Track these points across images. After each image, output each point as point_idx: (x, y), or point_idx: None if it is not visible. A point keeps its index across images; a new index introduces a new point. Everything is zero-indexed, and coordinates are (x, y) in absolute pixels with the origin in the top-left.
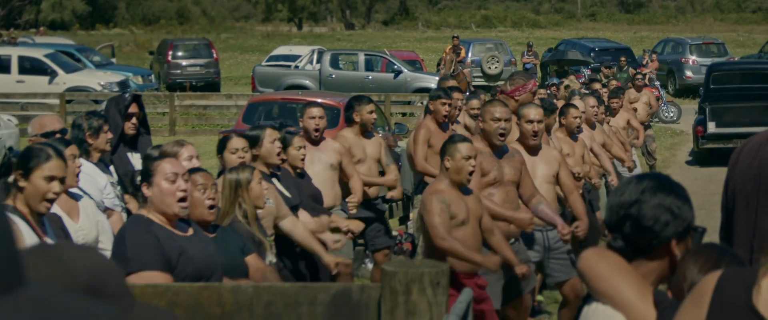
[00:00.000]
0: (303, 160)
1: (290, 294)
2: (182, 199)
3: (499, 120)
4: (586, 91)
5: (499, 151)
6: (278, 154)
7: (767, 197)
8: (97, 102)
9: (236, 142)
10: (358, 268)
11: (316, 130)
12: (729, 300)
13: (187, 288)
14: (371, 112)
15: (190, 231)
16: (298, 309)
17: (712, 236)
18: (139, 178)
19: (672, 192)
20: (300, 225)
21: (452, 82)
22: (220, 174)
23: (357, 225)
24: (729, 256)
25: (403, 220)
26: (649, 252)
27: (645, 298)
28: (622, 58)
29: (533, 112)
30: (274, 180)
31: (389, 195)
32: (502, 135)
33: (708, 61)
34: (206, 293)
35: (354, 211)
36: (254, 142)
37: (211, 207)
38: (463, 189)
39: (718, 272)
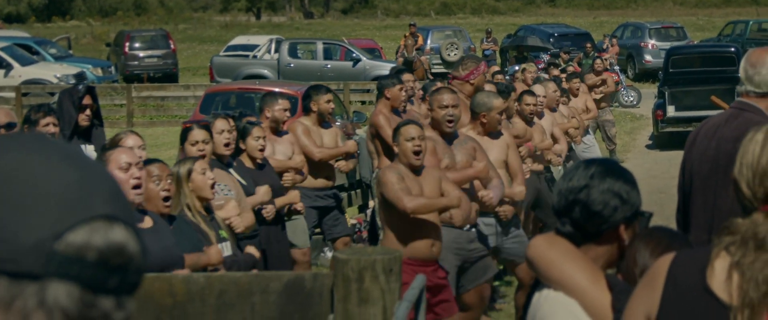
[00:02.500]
0: (262, 150)
1: (243, 283)
2: (136, 187)
3: (447, 107)
4: (545, 77)
5: (450, 138)
6: (226, 145)
7: (725, 178)
8: (53, 95)
9: (197, 134)
10: (316, 257)
11: (284, 122)
12: (683, 282)
13: None
14: (329, 102)
15: (149, 223)
16: (251, 298)
17: (670, 219)
18: None
19: (620, 177)
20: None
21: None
22: None
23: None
24: (679, 239)
25: (362, 208)
26: (597, 237)
27: (598, 283)
28: (588, 44)
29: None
30: (231, 169)
31: (338, 164)
32: (450, 122)
33: (667, 45)
34: (158, 283)
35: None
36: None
37: (167, 198)
38: (417, 171)
39: (670, 255)
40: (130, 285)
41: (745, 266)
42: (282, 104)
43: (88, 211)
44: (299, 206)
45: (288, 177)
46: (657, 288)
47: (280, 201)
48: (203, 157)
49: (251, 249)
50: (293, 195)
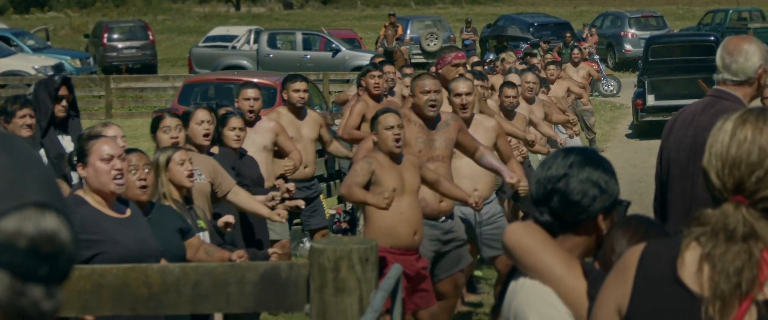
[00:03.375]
0: (237, 140)
1: (218, 273)
2: (117, 178)
3: (428, 92)
4: (524, 66)
5: (432, 123)
6: (205, 136)
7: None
8: (30, 86)
9: (169, 121)
10: (295, 248)
11: (251, 112)
12: (654, 273)
13: (114, 269)
14: (297, 91)
15: (128, 213)
16: (227, 288)
17: (650, 208)
18: (75, 159)
19: (599, 167)
20: (242, 192)
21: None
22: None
23: (298, 202)
24: (656, 228)
25: (341, 199)
26: (575, 227)
27: (574, 271)
28: (568, 34)
29: (462, 85)
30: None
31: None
32: (432, 106)
33: (647, 34)
34: (133, 274)
35: (290, 174)
36: (185, 121)
37: (143, 187)
38: (398, 159)
39: (641, 246)
40: (61, 273)
41: (716, 258)
42: (246, 94)
43: (20, 199)
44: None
45: (288, 169)
46: (628, 279)
47: (264, 212)
48: (177, 144)
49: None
50: (279, 215)
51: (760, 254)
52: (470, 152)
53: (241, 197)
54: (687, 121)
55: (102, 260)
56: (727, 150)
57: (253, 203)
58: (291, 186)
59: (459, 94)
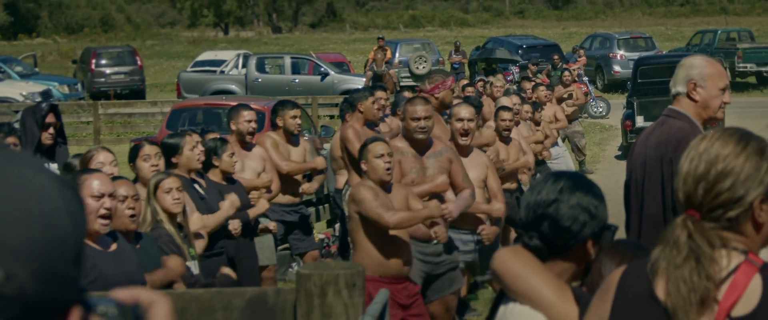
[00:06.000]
0: (234, 165)
1: (204, 299)
2: (106, 216)
3: (419, 119)
4: (518, 90)
5: (423, 149)
6: (198, 160)
7: (650, 184)
8: (17, 113)
9: (148, 149)
10: (283, 273)
11: (251, 134)
12: (632, 291)
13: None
14: (294, 117)
15: (114, 247)
16: (213, 315)
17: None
18: None
19: (589, 192)
20: (205, 217)
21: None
22: (133, 182)
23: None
24: (643, 252)
25: (331, 223)
26: (564, 252)
27: (565, 297)
28: (556, 56)
29: (464, 111)
30: (196, 186)
31: (303, 188)
32: (422, 132)
33: (636, 55)
34: None
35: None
36: (174, 150)
37: (133, 216)
38: (387, 188)
39: (622, 267)
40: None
41: (670, 270)
42: (246, 116)
43: None
44: (272, 225)
45: (255, 195)
46: (608, 299)
47: (252, 212)
48: (156, 170)
49: (227, 270)
50: (262, 205)
51: (709, 266)
52: (457, 188)
53: (207, 221)
54: (643, 140)
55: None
56: (683, 165)
57: (218, 214)
58: (272, 225)
59: (461, 119)
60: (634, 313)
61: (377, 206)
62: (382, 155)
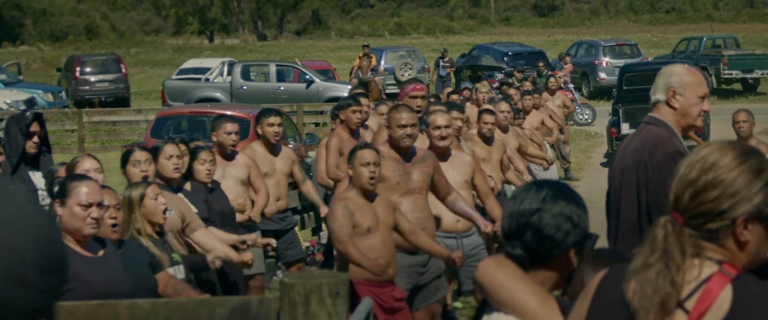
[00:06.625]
0: (208, 174)
1: (188, 309)
2: (92, 226)
3: (405, 126)
4: (500, 96)
5: (408, 156)
6: (175, 169)
7: (627, 190)
8: (0, 121)
9: (138, 155)
10: (269, 281)
11: (232, 146)
12: (607, 295)
13: (83, 306)
14: (272, 125)
15: (101, 253)
16: None
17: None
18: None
19: (572, 201)
20: (210, 235)
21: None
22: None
23: (270, 240)
24: (626, 261)
25: (316, 231)
26: (547, 261)
27: (549, 306)
28: (541, 63)
29: (440, 118)
30: (180, 194)
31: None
32: (408, 139)
33: (621, 62)
34: (102, 310)
35: (258, 221)
36: (155, 156)
37: (114, 225)
38: (371, 196)
39: (603, 271)
40: None
41: (639, 272)
42: (227, 128)
43: None
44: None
45: (243, 218)
46: (587, 302)
47: (234, 257)
48: (146, 177)
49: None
50: (247, 256)
51: (675, 272)
52: (442, 195)
53: (208, 239)
54: (623, 148)
55: (69, 298)
56: (681, 167)
57: (220, 246)
58: (272, 241)
59: (438, 127)
60: (606, 314)
61: (337, 228)
62: (368, 163)
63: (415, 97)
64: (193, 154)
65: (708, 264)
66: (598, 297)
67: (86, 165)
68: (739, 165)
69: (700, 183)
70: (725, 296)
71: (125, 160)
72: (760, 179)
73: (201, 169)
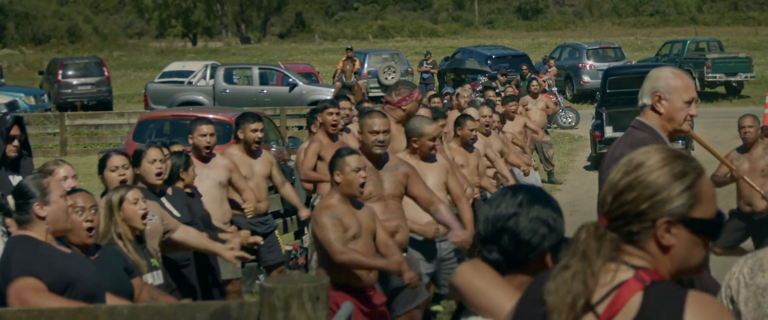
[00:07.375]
0: (158, 175)
1: (168, 313)
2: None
3: (377, 132)
4: (481, 99)
5: (380, 163)
6: (157, 175)
7: None
8: None
9: (116, 160)
10: (250, 285)
11: (207, 148)
12: (533, 294)
13: (62, 311)
14: (255, 131)
15: (69, 251)
16: None
17: None
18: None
19: (548, 205)
20: (192, 231)
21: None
22: (103, 194)
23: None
24: None
25: (298, 234)
26: (524, 265)
27: None
28: (524, 67)
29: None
30: (163, 199)
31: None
32: (379, 145)
33: (605, 65)
34: (81, 315)
35: (250, 215)
36: (137, 160)
37: (90, 229)
38: (355, 203)
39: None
40: None
41: (556, 273)
42: (202, 130)
43: None
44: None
45: (248, 209)
46: (517, 302)
47: (217, 249)
48: (125, 182)
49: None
50: (230, 255)
51: (588, 274)
52: (425, 205)
53: (191, 235)
54: (610, 152)
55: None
56: (610, 170)
57: (206, 241)
58: (258, 239)
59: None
60: (527, 314)
61: (333, 239)
62: (359, 169)
63: (421, 102)
64: (182, 164)
65: (624, 269)
66: (525, 297)
67: (61, 172)
68: (661, 167)
69: (621, 184)
70: (634, 302)
71: (102, 165)
72: (681, 182)
73: (149, 168)
